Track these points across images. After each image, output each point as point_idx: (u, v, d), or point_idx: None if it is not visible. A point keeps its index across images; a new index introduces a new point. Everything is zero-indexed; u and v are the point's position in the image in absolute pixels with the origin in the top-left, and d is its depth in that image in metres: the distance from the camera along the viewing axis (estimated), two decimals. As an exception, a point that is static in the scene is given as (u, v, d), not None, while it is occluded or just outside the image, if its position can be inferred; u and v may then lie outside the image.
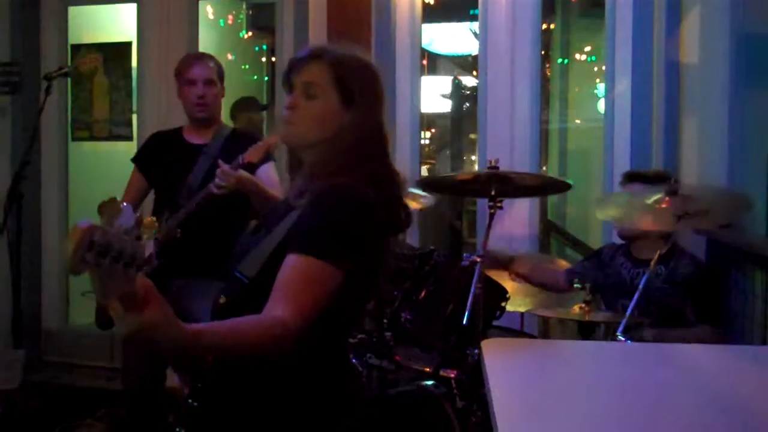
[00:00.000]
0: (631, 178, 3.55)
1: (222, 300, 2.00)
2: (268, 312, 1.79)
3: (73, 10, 5.68)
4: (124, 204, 1.64)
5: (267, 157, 3.52)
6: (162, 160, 3.78)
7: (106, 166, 5.83)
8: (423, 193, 3.89)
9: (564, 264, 3.99)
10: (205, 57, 3.88)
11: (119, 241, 1.43)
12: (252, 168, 3.43)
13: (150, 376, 3.72)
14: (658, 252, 2.97)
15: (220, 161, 3.36)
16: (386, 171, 2.06)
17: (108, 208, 1.63)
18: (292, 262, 1.85)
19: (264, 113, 6.51)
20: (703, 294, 3.34)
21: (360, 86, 2.04)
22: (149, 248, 1.51)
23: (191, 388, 2.02)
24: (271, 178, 3.62)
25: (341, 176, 1.96)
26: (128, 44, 5.62)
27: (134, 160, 3.91)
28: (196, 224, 3.50)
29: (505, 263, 3.77)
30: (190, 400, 2.01)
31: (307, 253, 1.85)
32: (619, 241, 3.66)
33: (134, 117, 5.58)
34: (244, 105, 5.85)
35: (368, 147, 2.03)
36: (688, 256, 3.43)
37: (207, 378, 1.99)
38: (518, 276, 3.76)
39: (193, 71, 3.70)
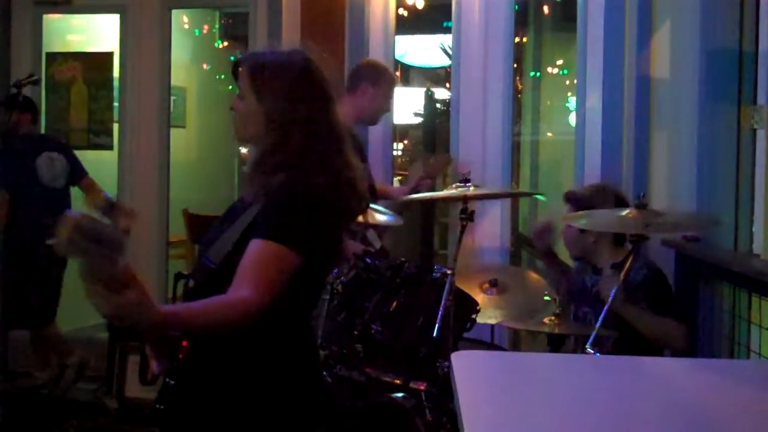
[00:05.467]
0: (568, 198, 3.58)
1: (191, 284, 2.20)
2: (233, 292, 1.98)
3: (50, 19, 5.64)
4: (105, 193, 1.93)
5: None
6: None
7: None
8: (387, 214, 3.87)
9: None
10: None
11: (103, 228, 1.64)
12: None
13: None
14: (628, 263, 2.97)
15: None
16: (331, 159, 2.19)
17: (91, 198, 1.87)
18: (253, 246, 2.04)
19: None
20: (657, 294, 3.33)
21: (270, 82, 2.19)
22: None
23: (168, 368, 2.14)
24: None
25: (291, 169, 2.13)
26: (110, 54, 5.60)
27: None
28: None
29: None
30: (167, 379, 2.15)
31: (266, 238, 2.05)
32: None
33: (116, 126, 5.55)
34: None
35: (303, 138, 2.16)
36: (641, 261, 3.41)
37: (181, 359, 2.13)
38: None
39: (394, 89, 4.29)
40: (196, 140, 7.52)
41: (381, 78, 4.23)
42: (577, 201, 3.50)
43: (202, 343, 2.10)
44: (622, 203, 3.37)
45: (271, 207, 2.11)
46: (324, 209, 2.13)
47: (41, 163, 4.86)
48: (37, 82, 4.41)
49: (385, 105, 4.29)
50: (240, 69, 2.24)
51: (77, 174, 5.04)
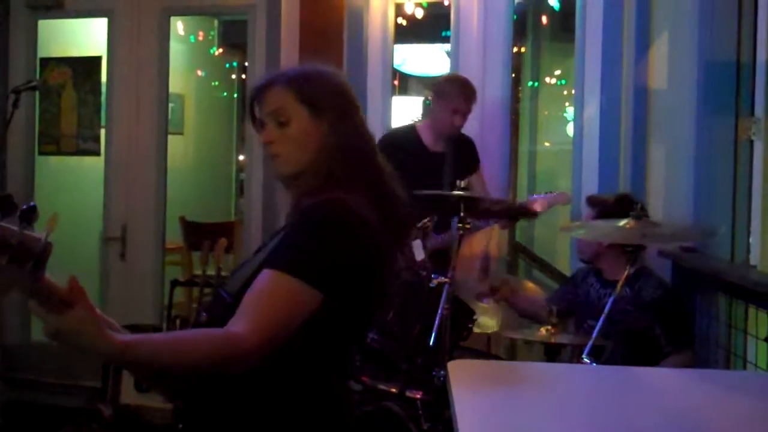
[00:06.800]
0: (592, 203, 3.58)
1: (203, 318, 1.94)
2: (228, 327, 1.67)
3: (43, 24, 5.61)
4: None
5: None
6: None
7: (73, 181, 5.77)
8: None
9: (531, 286, 4.00)
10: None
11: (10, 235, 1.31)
12: None
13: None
14: (625, 273, 2.96)
15: None
16: (379, 180, 1.94)
17: None
18: (261, 277, 1.74)
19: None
20: (672, 317, 3.34)
21: (324, 94, 1.94)
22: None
23: (174, 407, 1.93)
24: None
25: (333, 190, 1.85)
26: (98, 59, 5.55)
27: None
28: None
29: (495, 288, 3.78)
30: (176, 422, 1.91)
31: (277, 268, 1.73)
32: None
33: (102, 132, 5.51)
34: None
35: (355, 154, 1.93)
36: (656, 279, 3.43)
37: (186, 402, 1.90)
38: (502, 299, 3.75)
39: (466, 105, 4.16)
40: (194, 147, 7.51)
41: (446, 90, 4.19)
42: (601, 206, 3.48)
43: (211, 385, 1.80)
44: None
45: (292, 232, 1.84)
46: (362, 240, 1.81)
47: None
48: (35, 89, 4.37)
49: (450, 119, 4.17)
50: (269, 94, 1.95)
51: None
